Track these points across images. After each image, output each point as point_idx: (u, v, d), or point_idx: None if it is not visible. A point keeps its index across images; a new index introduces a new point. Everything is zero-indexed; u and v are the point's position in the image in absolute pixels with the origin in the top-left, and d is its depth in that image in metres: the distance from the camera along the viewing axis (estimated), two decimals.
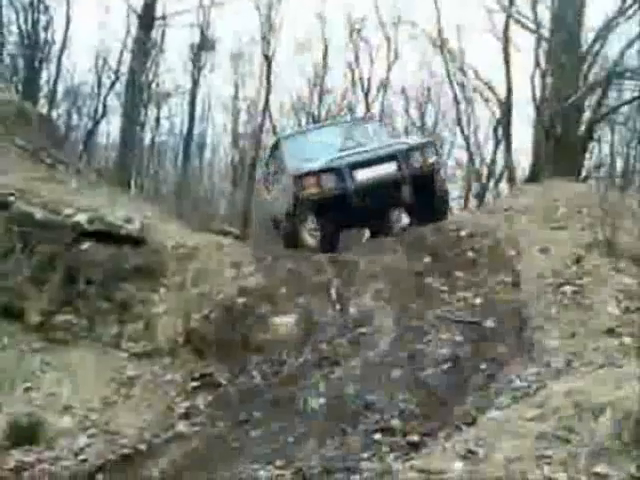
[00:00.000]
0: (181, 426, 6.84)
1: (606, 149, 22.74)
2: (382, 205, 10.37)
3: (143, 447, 6.61)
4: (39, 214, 8.78)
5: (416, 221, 10.50)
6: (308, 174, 9.68)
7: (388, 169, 9.68)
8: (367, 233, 13.97)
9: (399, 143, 10.38)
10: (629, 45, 16.29)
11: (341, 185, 9.51)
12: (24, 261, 8.56)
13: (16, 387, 7.57)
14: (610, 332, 6.41)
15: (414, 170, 9.68)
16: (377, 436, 5.87)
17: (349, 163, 9.63)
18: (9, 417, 6.85)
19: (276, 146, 11.98)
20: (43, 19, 23.09)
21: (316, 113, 25.42)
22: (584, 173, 18.34)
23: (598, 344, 6.23)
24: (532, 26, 17.32)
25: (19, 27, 22.79)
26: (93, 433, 7.00)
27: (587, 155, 19.15)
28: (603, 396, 4.74)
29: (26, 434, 6.82)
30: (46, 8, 22.99)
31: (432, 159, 9.98)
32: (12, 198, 8.90)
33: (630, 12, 16.28)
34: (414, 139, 11.70)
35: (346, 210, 9.60)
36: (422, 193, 9.77)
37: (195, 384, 7.50)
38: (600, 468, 4.20)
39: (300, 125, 24.62)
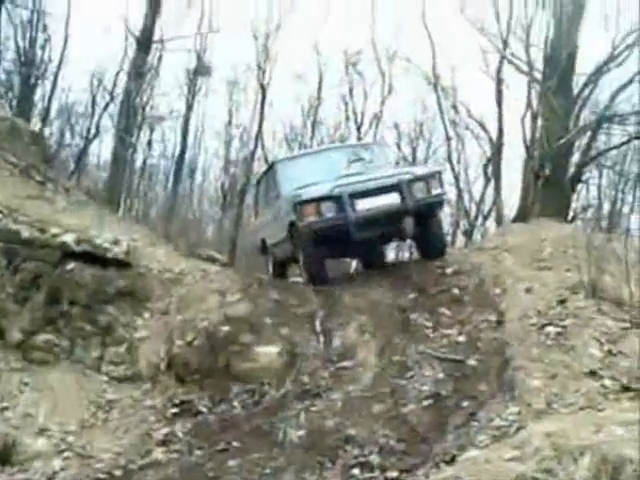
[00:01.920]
0: (158, 453, 6.78)
1: (594, 191, 22.89)
2: (383, 237, 10.01)
3: (119, 473, 6.54)
4: (26, 232, 8.75)
5: (420, 255, 10.30)
6: (307, 201, 9.26)
7: (391, 200, 9.23)
8: (354, 264, 13.91)
9: (403, 173, 9.79)
10: (619, 90, 16.52)
11: (341, 215, 9.11)
12: (8, 279, 8.52)
13: None
14: (592, 374, 6.41)
15: (418, 201, 9.25)
16: (356, 471, 5.86)
17: (350, 192, 9.17)
18: None
19: (270, 170, 11.39)
20: (41, 37, 23.15)
21: (308, 143, 25.47)
22: (571, 214, 18.47)
23: (579, 386, 6.23)
24: (525, 68, 17.53)
25: (16, 44, 22.85)
26: (68, 456, 6.94)
27: (575, 197, 19.33)
28: (583, 439, 4.74)
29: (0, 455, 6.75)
30: (44, 27, 23.07)
31: (437, 190, 9.55)
32: None
33: (620, 58, 16.55)
34: (419, 168, 11.20)
35: (344, 241, 9.31)
36: (423, 226, 9.49)
37: (174, 411, 7.46)
38: None
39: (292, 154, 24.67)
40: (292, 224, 9.50)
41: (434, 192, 9.44)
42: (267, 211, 11.34)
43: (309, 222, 9.16)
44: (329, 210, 9.15)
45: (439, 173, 10.20)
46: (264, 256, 11.73)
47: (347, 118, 26.13)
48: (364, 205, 9.16)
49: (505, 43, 18.11)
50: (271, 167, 11.44)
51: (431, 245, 9.86)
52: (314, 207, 9.18)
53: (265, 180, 11.70)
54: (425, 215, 9.47)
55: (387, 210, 9.18)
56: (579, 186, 19.29)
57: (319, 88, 25.93)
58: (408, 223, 9.25)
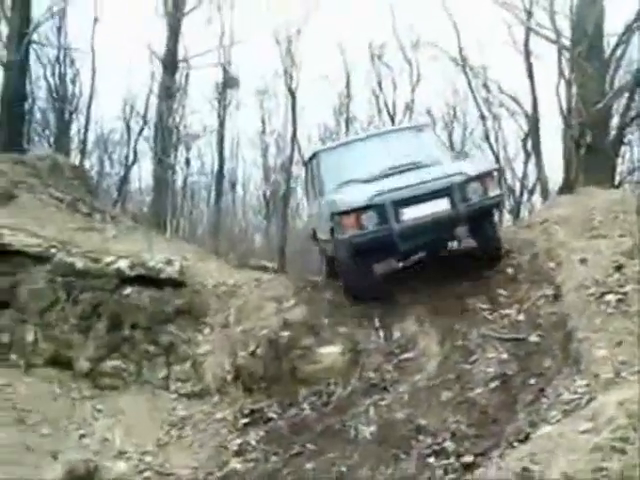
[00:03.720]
0: (235, 463, 6.89)
1: (638, 152, 22.50)
2: (431, 247, 9.22)
3: None
4: (80, 263, 8.95)
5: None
6: (346, 212, 8.30)
7: (440, 206, 8.25)
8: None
9: (454, 174, 8.44)
10: None
11: (384, 227, 8.18)
12: (69, 310, 8.75)
13: (70, 434, 7.71)
14: None
15: (471, 206, 8.27)
16: (431, 459, 5.89)
17: (393, 199, 8.18)
18: (65, 465, 6.90)
19: (314, 159, 10.37)
20: (70, 72, 23.67)
21: None
22: (618, 179, 18.19)
23: None
24: (552, 37, 17.30)
25: (47, 81, 23.39)
26: (148, 476, 7.08)
27: (619, 160, 19.02)
28: None
29: None
30: (72, 61, 23.57)
31: (494, 192, 8.52)
32: (53, 250, 9.10)
33: None
34: (473, 165, 9.35)
35: (389, 253, 8.65)
36: (478, 232, 8.65)
37: (246, 420, 7.55)
38: None
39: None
40: (332, 233, 8.75)
41: (491, 194, 8.46)
42: (314, 202, 10.52)
43: (349, 236, 8.26)
44: (370, 221, 8.23)
45: (496, 170, 9.17)
46: (315, 242, 10.93)
47: (379, 111, 26.18)
48: (410, 214, 8.23)
49: (529, 14, 17.91)
50: (314, 156, 10.47)
51: (483, 250, 8.99)
52: (354, 218, 8.26)
53: (310, 169, 10.79)
54: (480, 220, 8.55)
55: (436, 219, 8.25)
56: (622, 149, 18.99)
57: (348, 85, 26.05)
58: (460, 231, 8.44)
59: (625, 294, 7.06)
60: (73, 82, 23.83)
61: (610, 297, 7.08)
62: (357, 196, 8.47)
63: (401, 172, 8.94)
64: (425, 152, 9.56)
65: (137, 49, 29.82)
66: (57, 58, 23.37)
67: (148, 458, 7.36)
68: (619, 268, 7.54)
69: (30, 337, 8.67)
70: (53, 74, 23.44)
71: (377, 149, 9.74)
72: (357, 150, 9.93)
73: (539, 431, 5.32)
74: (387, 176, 8.90)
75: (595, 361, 6.17)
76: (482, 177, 8.45)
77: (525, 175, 23.09)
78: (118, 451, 7.45)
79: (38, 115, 23.45)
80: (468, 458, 5.73)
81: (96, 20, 22.18)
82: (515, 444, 5.45)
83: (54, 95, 23.62)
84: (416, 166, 9.07)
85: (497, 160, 22.95)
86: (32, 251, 9.09)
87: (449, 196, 8.24)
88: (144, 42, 22.33)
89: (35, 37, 18.14)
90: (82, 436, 7.67)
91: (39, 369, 8.56)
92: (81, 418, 7.93)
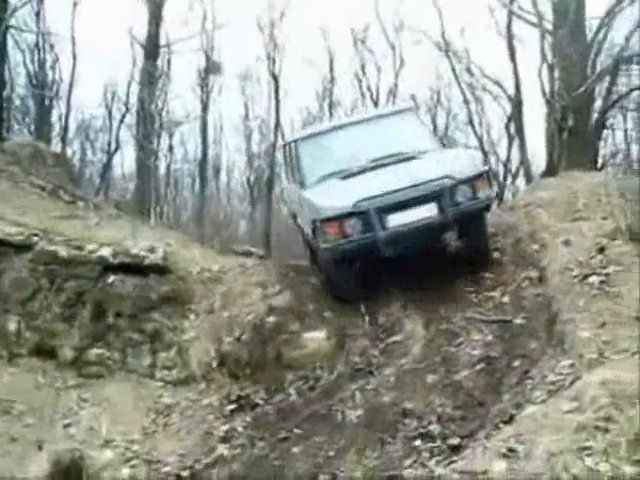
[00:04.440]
0: (222, 449, 6.88)
1: (620, 136, 22.60)
2: (419, 253, 8.35)
3: (186, 473, 6.68)
4: (63, 252, 8.87)
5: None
6: (329, 219, 7.99)
7: (428, 212, 7.89)
8: None
9: (442, 177, 7.98)
10: (634, 30, 16.24)
11: (368, 234, 7.87)
12: (52, 299, 8.67)
13: (56, 424, 7.65)
14: None
15: (460, 211, 7.92)
16: (417, 442, 5.92)
17: (378, 206, 7.84)
18: (51, 455, 6.88)
19: (293, 146, 9.96)
20: (49, 58, 23.44)
21: None
22: (600, 162, 18.27)
23: (630, 331, 6.16)
24: (534, 20, 17.32)
25: (26, 68, 23.15)
26: (135, 464, 7.05)
27: (602, 144, 19.10)
28: (638, 384, 4.73)
29: (69, 470, 6.87)
30: (51, 47, 23.35)
31: (485, 193, 8.13)
32: (35, 238, 9.02)
33: None
34: (461, 165, 8.40)
35: (374, 260, 8.14)
36: (467, 235, 8.12)
37: (232, 407, 7.54)
38: None
39: None
40: (315, 235, 8.45)
41: (481, 195, 8.09)
42: (294, 189, 10.10)
43: (332, 245, 8.00)
44: (354, 228, 7.91)
45: (487, 172, 8.57)
46: (297, 227, 10.69)
47: (362, 95, 26.19)
48: (396, 220, 7.89)
49: None
50: (293, 144, 10.07)
51: (470, 251, 8.34)
52: (337, 226, 7.94)
53: (289, 155, 10.39)
54: (469, 223, 8.16)
55: (423, 225, 7.90)
56: (604, 132, 19.07)
57: (331, 69, 26.01)
58: (449, 236, 7.94)
59: (608, 275, 7.11)
60: (53, 68, 23.63)
61: (593, 279, 7.13)
62: (340, 200, 8.14)
63: (385, 165, 8.65)
64: (409, 140, 9.30)
65: (118, 34, 29.59)
66: (36, 44, 23.14)
67: (135, 446, 7.33)
68: (602, 250, 7.58)
69: (13, 327, 8.58)
70: (32, 60, 23.21)
71: (358, 137, 9.42)
72: (337, 139, 9.57)
73: (524, 412, 5.36)
74: (370, 169, 8.63)
75: (579, 342, 6.21)
76: (472, 180, 8.08)
77: (509, 159, 23.20)
78: (104, 440, 7.41)
79: (18, 102, 23.22)
80: (454, 440, 5.75)
81: (75, 4, 21.99)
82: (500, 425, 5.48)
83: (33, 82, 23.39)
84: (400, 158, 8.77)
85: (481, 144, 23.01)
86: (14, 240, 9.00)
87: (437, 201, 7.90)
88: (125, 27, 22.25)
89: (13, 22, 17.96)
90: (67, 425, 7.62)
91: (23, 359, 8.49)
92: (66, 407, 7.87)
